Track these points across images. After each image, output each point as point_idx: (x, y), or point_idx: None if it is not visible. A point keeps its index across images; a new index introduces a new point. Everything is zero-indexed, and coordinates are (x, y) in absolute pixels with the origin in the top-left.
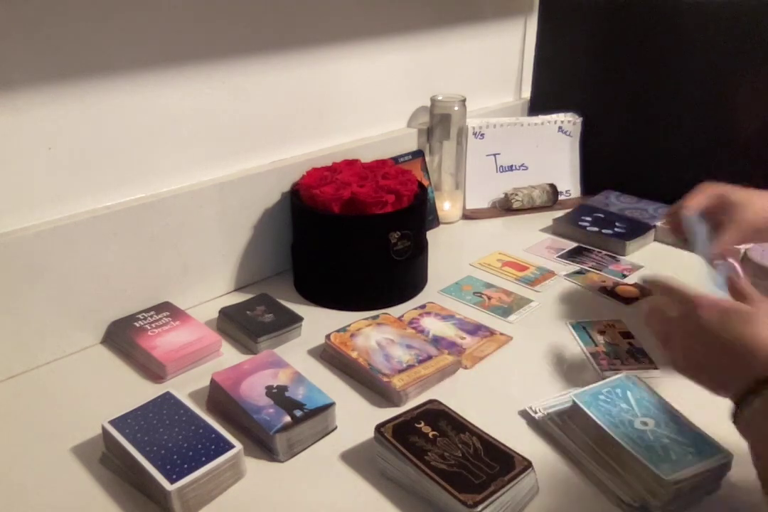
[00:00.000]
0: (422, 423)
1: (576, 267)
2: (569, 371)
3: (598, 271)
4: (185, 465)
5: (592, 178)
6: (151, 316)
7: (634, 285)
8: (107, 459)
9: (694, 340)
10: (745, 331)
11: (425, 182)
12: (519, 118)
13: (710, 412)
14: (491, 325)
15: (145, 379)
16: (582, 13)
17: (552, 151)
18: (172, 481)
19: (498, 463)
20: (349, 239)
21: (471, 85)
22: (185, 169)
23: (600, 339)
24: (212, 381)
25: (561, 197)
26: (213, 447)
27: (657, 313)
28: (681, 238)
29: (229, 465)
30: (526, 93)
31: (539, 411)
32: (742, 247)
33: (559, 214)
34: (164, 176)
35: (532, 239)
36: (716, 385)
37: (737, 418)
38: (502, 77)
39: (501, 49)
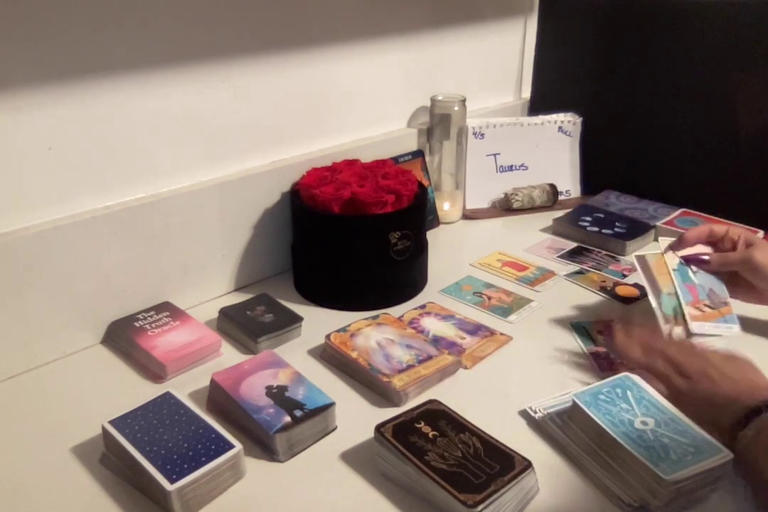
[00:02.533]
0: (422, 423)
1: (576, 267)
2: (569, 371)
3: (598, 271)
4: (185, 465)
5: (592, 178)
6: (151, 316)
7: (634, 285)
8: (107, 459)
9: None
10: (725, 373)
11: (425, 182)
12: (519, 118)
13: None
14: (491, 325)
15: (145, 379)
16: (582, 13)
17: (552, 151)
18: (172, 481)
19: (498, 463)
20: (349, 239)
21: (471, 85)
22: (185, 169)
23: (600, 338)
24: (212, 381)
25: (561, 197)
26: (213, 447)
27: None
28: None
29: (229, 465)
30: (526, 93)
31: (539, 411)
32: None
33: (559, 214)
34: (164, 176)
35: (532, 239)
36: (704, 422)
37: (734, 450)
38: (502, 77)
39: (501, 49)
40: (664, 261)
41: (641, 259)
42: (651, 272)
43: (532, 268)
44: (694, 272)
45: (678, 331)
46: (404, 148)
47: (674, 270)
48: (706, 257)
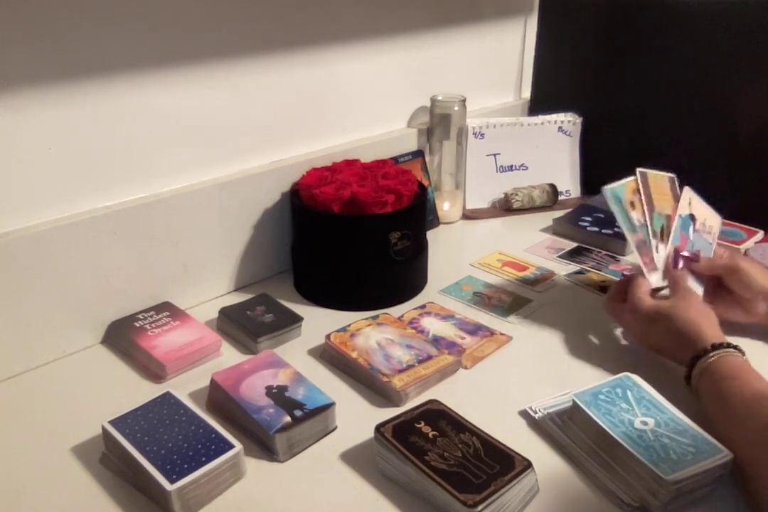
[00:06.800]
0: (422, 423)
1: (576, 267)
2: (569, 371)
3: (598, 271)
4: (185, 465)
5: (592, 178)
6: (151, 316)
7: None
8: (107, 459)
9: (643, 333)
10: (673, 327)
11: (425, 182)
12: (519, 118)
13: None
14: (491, 325)
15: (145, 379)
16: (582, 13)
17: (552, 151)
18: (172, 481)
19: (498, 463)
20: (349, 239)
21: (471, 85)
22: (185, 169)
23: (634, 217)
24: (212, 381)
25: (561, 197)
26: (213, 447)
27: (611, 307)
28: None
29: (229, 465)
30: (526, 93)
31: (539, 411)
32: (742, 247)
33: (559, 214)
34: (164, 176)
35: (532, 239)
36: (671, 358)
37: (689, 379)
38: (502, 77)
39: (501, 49)
40: (665, 183)
41: (643, 175)
42: (648, 190)
43: (532, 268)
44: (695, 231)
45: (661, 250)
46: (404, 148)
47: (679, 216)
48: (696, 260)
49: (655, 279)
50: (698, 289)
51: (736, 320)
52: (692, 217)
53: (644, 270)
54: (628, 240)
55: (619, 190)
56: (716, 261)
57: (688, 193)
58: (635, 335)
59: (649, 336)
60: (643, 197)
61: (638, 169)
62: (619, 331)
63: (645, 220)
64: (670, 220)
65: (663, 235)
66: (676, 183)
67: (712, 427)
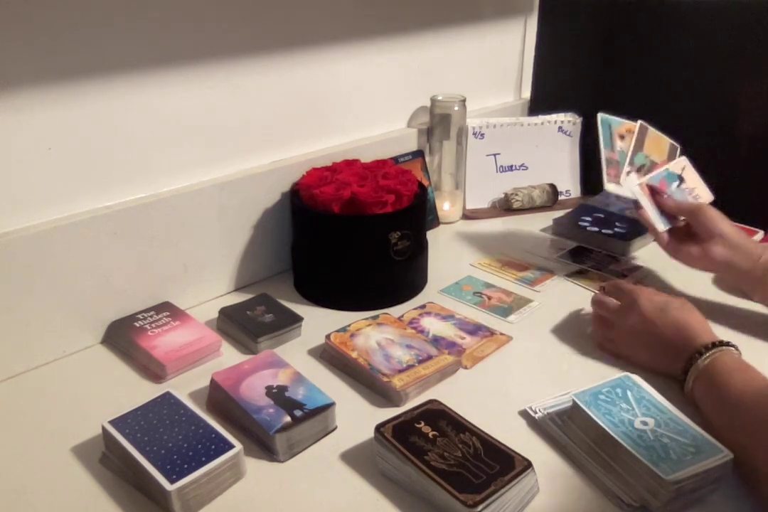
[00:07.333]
0: (422, 423)
1: (576, 267)
2: (569, 371)
3: (598, 271)
4: (185, 465)
5: (592, 178)
6: (151, 316)
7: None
8: (107, 459)
9: (637, 327)
10: (681, 316)
11: (425, 182)
12: (519, 118)
13: None
14: (491, 325)
15: (145, 379)
16: (582, 13)
17: (552, 151)
18: (172, 481)
19: (498, 463)
20: (349, 239)
21: (471, 85)
22: (185, 169)
23: (618, 144)
24: (212, 381)
25: (561, 197)
26: (213, 447)
27: (601, 302)
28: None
29: (229, 465)
30: (526, 93)
31: (539, 411)
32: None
33: (559, 214)
34: (164, 176)
35: (532, 239)
36: (656, 362)
37: (686, 384)
38: (502, 77)
39: (501, 49)
40: (665, 145)
41: (644, 127)
42: (643, 138)
43: (532, 268)
44: (677, 186)
45: (633, 177)
46: (404, 148)
47: (666, 169)
48: (666, 196)
49: (612, 188)
50: (665, 225)
51: (697, 267)
52: (681, 179)
53: (604, 178)
54: (601, 155)
55: (612, 121)
56: (683, 202)
57: (685, 161)
58: (644, 314)
59: (656, 320)
60: (634, 138)
61: (640, 121)
62: None
63: (627, 152)
64: (654, 166)
65: (641, 171)
66: (677, 152)
67: (712, 414)
